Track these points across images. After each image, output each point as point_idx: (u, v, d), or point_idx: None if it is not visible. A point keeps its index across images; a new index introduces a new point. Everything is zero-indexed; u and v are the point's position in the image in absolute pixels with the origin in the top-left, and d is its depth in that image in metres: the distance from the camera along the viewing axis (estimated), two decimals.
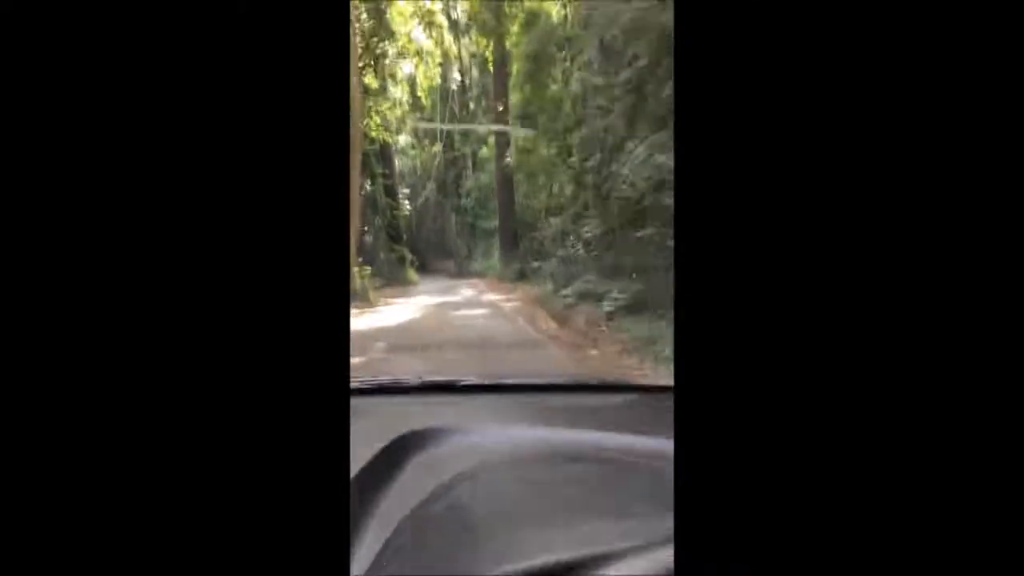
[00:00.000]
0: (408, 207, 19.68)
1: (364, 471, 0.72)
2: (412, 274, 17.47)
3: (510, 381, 1.31)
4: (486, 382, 1.30)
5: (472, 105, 21.74)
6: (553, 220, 11.32)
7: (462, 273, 20.25)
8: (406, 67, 15.25)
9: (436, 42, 14.90)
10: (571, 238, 10.02)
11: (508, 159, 14.35)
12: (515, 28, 12.45)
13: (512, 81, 14.85)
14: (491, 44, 13.78)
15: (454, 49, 19.25)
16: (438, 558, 0.53)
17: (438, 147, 21.33)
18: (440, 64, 17.10)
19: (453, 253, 22.82)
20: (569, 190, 11.18)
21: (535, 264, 12.91)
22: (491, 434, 0.89)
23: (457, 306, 9.87)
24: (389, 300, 11.42)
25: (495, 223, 18.59)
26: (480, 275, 18.00)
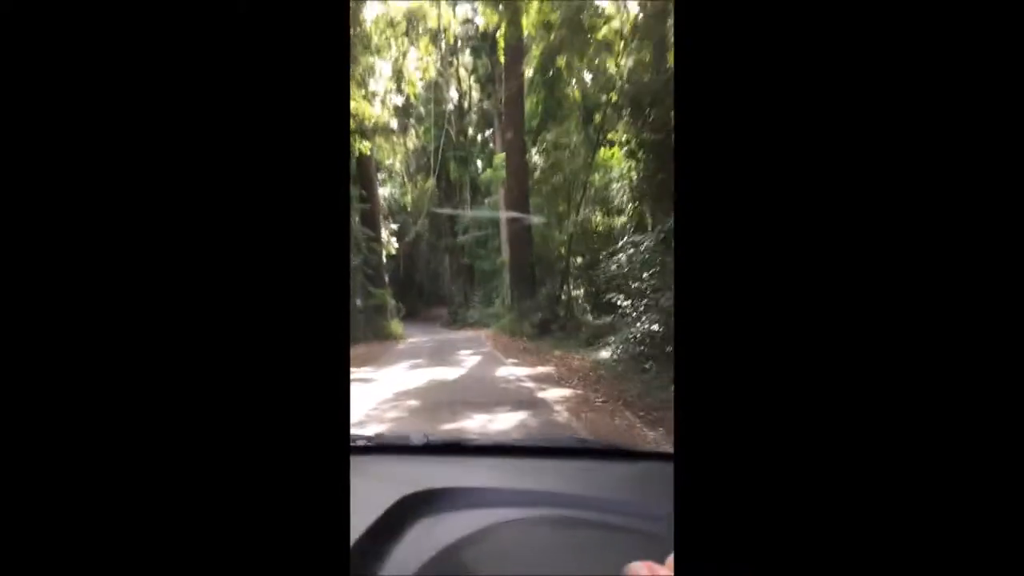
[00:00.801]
0: (395, 244, 16.92)
1: (367, 533, 0.73)
2: (396, 326, 14.44)
3: (516, 443, 1.35)
4: (492, 443, 1.34)
5: (471, 130, 19.95)
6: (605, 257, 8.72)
7: (457, 322, 18.33)
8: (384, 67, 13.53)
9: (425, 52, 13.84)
10: (634, 278, 7.01)
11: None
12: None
13: (528, 83, 12.96)
14: (503, 22, 10.31)
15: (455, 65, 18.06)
16: None
17: (431, 182, 19.22)
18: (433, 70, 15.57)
19: (447, 299, 20.52)
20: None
21: (561, 315, 10.61)
22: (494, 497, 0.90)
23: (465, 388, 6.20)
24: (358, 366, 8.20)
25: (496, 263, 15.88)
26: (479, 326, 15.89)
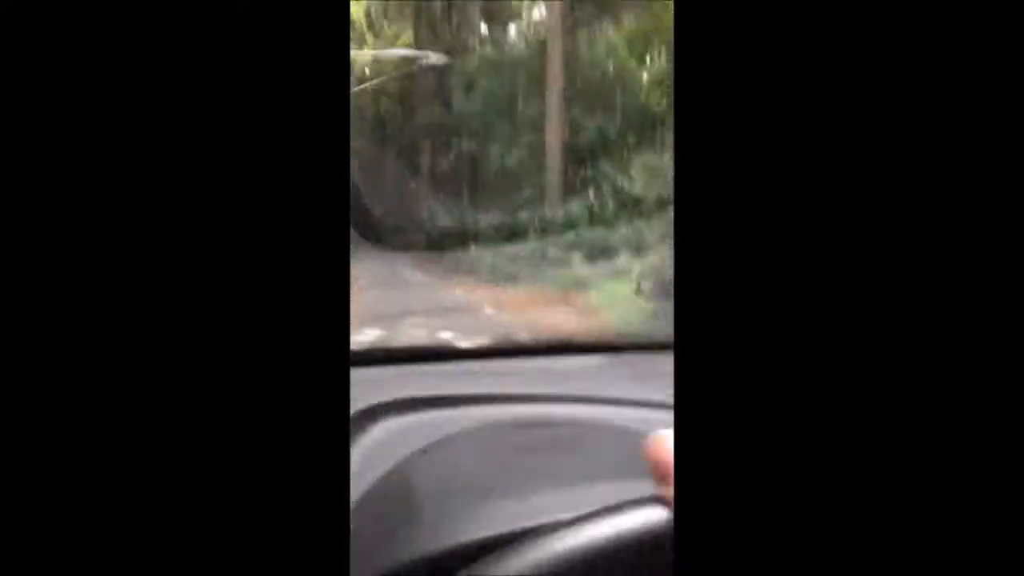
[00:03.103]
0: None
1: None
2: None
3: (483, 345, 1.37)
4: (459, 346, 1.37)
5: None
6: None
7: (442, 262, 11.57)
8: None
9: None
10: None
11: None
12: None
13: None
14: None
15: None
16: (396, 532, 0.57)
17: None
18: None
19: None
20: None
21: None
22: (453, 403, 0.91)
23: None
24: None
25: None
26: (492, 281, 9.87)
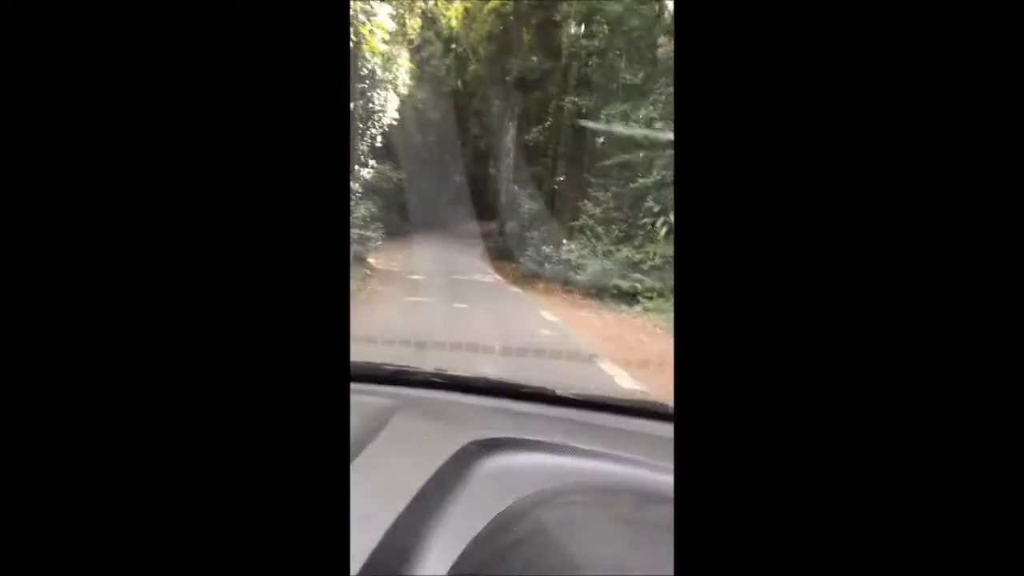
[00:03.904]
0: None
1: (432, 480, 0.72)
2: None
3: (569, 394, 1.20)
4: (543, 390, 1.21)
5: None
6: None
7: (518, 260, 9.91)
8: None
9: None
10: None
11: None
12: None
13: None
14: None
15: None
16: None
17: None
18: None
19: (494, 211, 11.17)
20: None
21: None
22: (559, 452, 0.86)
23: None
24: None
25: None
26: (583, 290, 8.04)
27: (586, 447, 0.85)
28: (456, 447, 0.79)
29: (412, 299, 6.84)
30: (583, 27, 9.47)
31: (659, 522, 0.58)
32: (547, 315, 6.46)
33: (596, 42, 9.49)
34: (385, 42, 8.93)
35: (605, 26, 9.17)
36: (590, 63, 9.69)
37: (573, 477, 0.76)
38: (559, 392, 1.13)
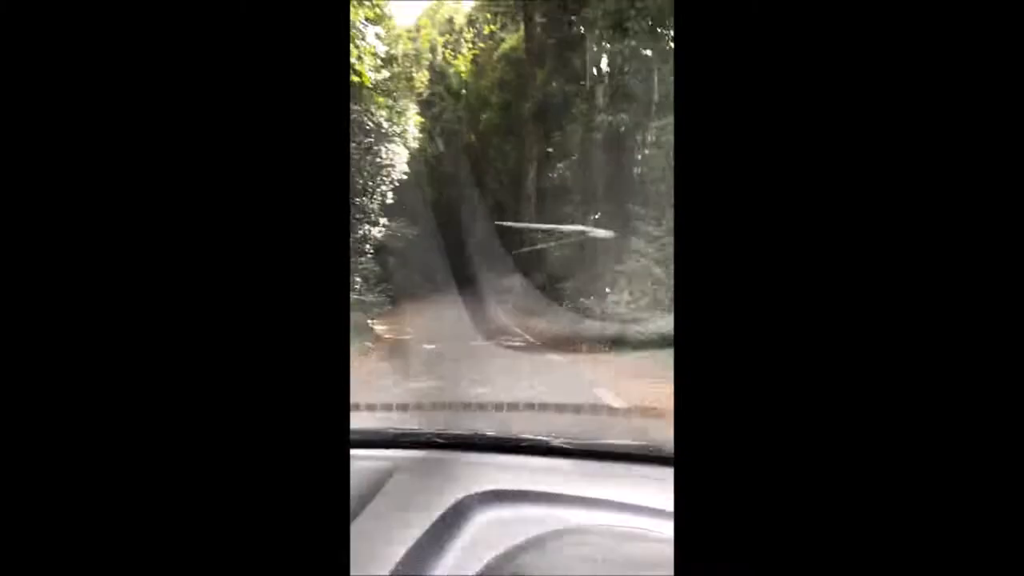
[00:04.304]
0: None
1: (428, 532, 0.76)
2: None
3: (578, 444, 1.21)
4: (553, 443, 1.22)
5: None
6: None
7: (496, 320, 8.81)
8: None
9: None
10: None
11: None
12: None
13: None
14: None
15: None
16: None
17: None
18: None
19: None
20: None
21: None
22: (558, 502, 0.90)
23: None
24: None
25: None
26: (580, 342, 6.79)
27: (580, 495, 0.91)
28: (453, 500, 0.84)
29: (416, 385, 5.18)
30: (613, 31, 8.05)
31: (640, 560, 0.67)
32: (602, 392, 4.67)
33: (629, 46, 7.99)
34: (392, 97, 9.02)
35: (646, 21, 7.57)
36: (626, 70, 8.18)
37: (564, 524, 0.81)
38: (556, 443, 1.13)
